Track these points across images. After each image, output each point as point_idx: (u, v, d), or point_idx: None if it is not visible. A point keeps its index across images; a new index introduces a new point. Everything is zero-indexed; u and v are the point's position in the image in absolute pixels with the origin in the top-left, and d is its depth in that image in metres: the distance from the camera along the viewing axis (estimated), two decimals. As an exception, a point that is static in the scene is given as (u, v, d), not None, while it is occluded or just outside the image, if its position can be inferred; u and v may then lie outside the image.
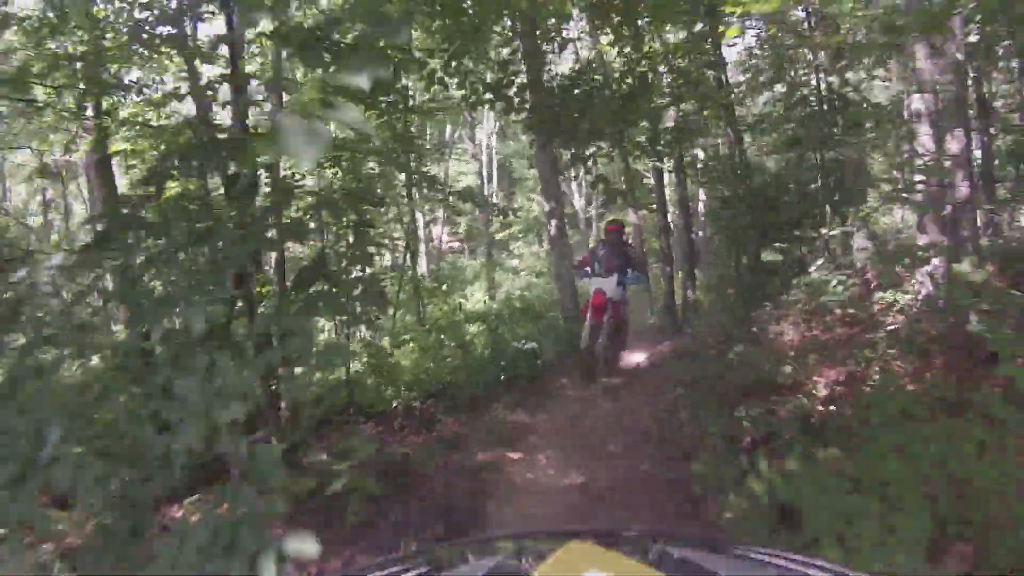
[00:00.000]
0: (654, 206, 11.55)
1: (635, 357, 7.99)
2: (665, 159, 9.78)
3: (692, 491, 3.52)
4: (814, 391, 4.16)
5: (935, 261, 4.90)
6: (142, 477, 1.65)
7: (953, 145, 4.70)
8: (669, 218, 11.31)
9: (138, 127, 6.77)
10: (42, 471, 1.74)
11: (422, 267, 15.01)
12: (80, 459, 1.67)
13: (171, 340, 1.84)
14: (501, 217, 12.68)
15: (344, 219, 4.03)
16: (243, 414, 1.59)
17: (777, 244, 7.75)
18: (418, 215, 13.63)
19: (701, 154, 11.35)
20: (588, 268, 6.95)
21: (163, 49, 5.75)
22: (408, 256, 9.24)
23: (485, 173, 19.20)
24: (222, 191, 2.36)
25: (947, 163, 4.71)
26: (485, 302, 13.20)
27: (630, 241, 8.38)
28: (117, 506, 1.64)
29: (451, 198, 7.91)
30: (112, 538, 1.62)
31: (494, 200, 18.85)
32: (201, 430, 1.66)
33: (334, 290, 2.40)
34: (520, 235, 19.21)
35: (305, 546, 1.54)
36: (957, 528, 2.28)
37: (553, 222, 7.71)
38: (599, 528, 2.94)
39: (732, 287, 8.04)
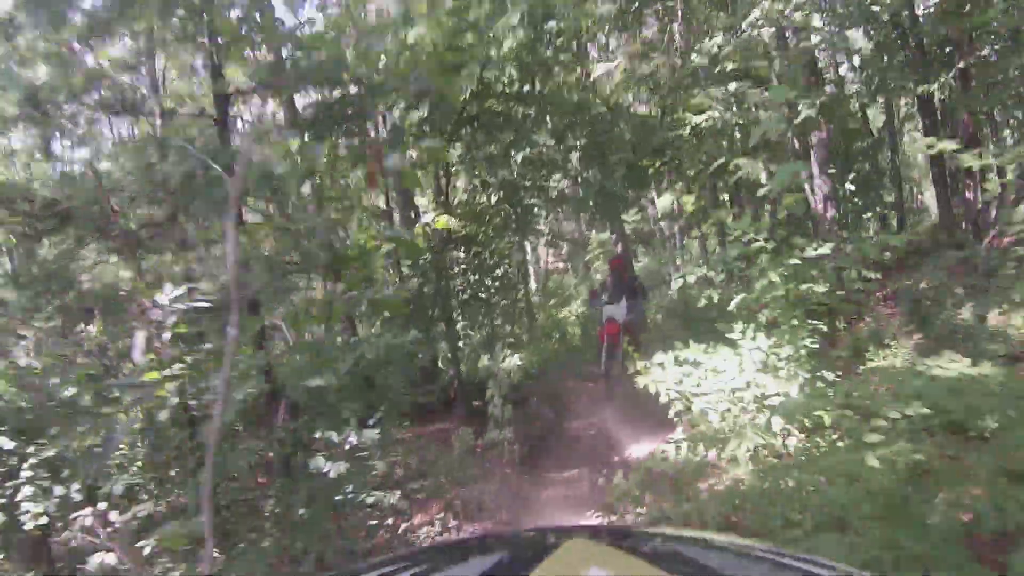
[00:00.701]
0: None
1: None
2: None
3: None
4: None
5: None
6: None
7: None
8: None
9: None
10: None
11: (532, 285, 19.60)
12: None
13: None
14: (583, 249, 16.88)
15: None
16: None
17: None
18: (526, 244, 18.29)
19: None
20: (601, 297, 8.16)
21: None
22: (520, 276, 13.69)
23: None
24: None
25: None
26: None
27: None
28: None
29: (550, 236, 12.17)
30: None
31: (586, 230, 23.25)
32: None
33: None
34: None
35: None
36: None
37: (619, 245, 11.85)
38: (600, 525, 3.67)
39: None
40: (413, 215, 8.20)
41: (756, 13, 6.75)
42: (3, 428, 3.43)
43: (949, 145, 4.45)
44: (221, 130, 8.81)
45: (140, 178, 6.97)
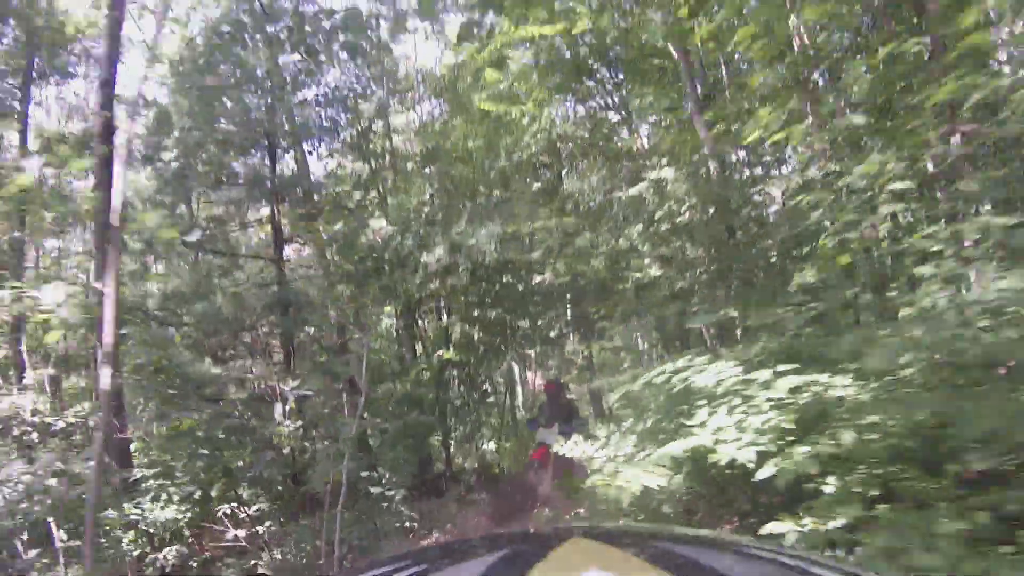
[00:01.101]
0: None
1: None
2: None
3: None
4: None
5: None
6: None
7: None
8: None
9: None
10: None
11: (519, 400, 22.74)
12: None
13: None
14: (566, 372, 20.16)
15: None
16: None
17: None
18: (514, 365, 21.69)
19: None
20: (538, 420, 8.80)
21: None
22: (508, 395, 16.90)
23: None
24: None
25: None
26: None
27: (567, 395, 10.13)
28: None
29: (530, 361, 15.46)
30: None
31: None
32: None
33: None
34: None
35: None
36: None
37: (588, 372, 15.05)
38: (600, 525, 3.45)
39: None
40: (419, 342, 11.65)
41: (659, 213, 10.29)
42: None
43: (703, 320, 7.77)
44: (278, 268, 12.37)
45: (233, 305, 10.26)
